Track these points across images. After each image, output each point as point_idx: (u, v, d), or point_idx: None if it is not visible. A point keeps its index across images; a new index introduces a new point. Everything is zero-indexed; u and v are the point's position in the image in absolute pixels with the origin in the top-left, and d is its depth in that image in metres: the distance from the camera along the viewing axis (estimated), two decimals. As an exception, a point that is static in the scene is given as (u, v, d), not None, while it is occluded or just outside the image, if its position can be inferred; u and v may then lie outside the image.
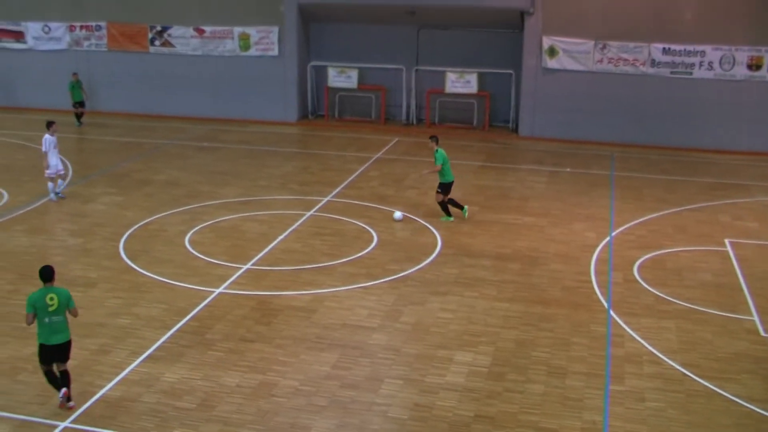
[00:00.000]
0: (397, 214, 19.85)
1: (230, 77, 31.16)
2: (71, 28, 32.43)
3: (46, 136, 21.03)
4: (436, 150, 19.85)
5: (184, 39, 31.29)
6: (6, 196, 21.57)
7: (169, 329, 13.97)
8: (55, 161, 21.11)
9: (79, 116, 30.55)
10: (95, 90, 32.35)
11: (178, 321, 14.27)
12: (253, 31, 30.52)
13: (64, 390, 11.47)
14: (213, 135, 28.91)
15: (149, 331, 13.93)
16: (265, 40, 30.48)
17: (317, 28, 31.24)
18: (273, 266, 16.78)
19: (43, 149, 21.02)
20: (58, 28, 32.54)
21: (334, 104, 31.49)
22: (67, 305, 11.62)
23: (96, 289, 15.70)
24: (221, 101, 31.37)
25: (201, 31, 31.03)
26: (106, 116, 31.69)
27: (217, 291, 15.54)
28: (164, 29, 31.40)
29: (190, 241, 18.18)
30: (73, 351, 12.25)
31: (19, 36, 33.12)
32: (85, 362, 12.84)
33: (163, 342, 13.53)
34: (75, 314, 11.82)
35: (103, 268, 16.75)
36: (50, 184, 21.32)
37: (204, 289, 15.63)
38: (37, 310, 11.43)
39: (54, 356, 11.56)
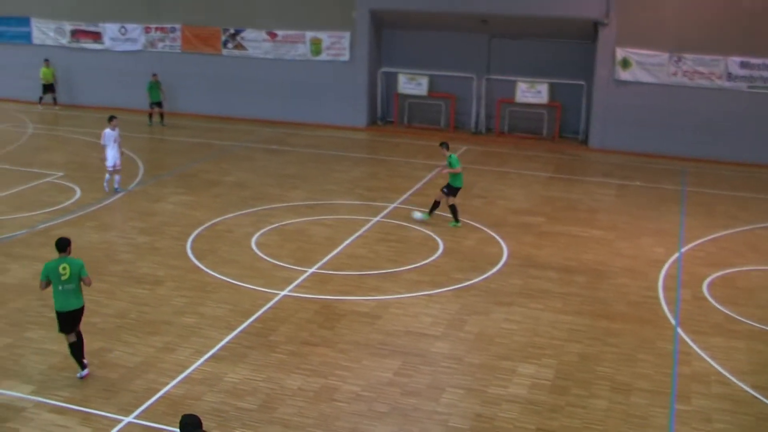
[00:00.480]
0: (417, 215, 20.11)
1: (301, 81, 31.41)
2: (147, 30, 33.03)
3: (106, 130, 21.73)
4: (450, 155, 20.02)
5: (256, 42, 31.64)
6: (79, 192, 22.01)
7: (233, 330, 14.10)
8: (113, 155, 21.66)
9: (152, 116, 31.09)
10: (168, 91, 32.86)
11: (243, 322, 14.39)
12: (324, 36, 30.72)
13: (86, 372, 12.48)
14: (282, 138, 29.16)
15: (214, 330, 14.07)
16: (337, 45, 30.65)
17: (389, 34, 31.33)
18: (338, 271, 16.84)
19: (102, 142, 21.74)
20: (135, 30, 33.17)
21: (404, 111, 31.53)
22: (79, 274, 12.39)
23: (163, 287, 15.92)
24: (291, 105, 31.63)
25: (273, 35, 31.34)
26: (177, 117, 32.17)
27: (282, 293, 15.64)
28: (237, 32, 31.79)
29: (256, 243, 18.34)
30: (139, 348, 12.45)
31: (96, 37, 33.84)
32: (149, 359, 13.02)
33: (227, 342, 13.66)
34: (87, 283, 12.52)
35: (171, 266, 16.98)
36: (107, 176, 21.96)
37: (269, 291, 15.74)
38: (50, 279, 12.29)
39: (68, 323, 12.39)
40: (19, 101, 34.54)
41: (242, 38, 31.79)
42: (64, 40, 34.28)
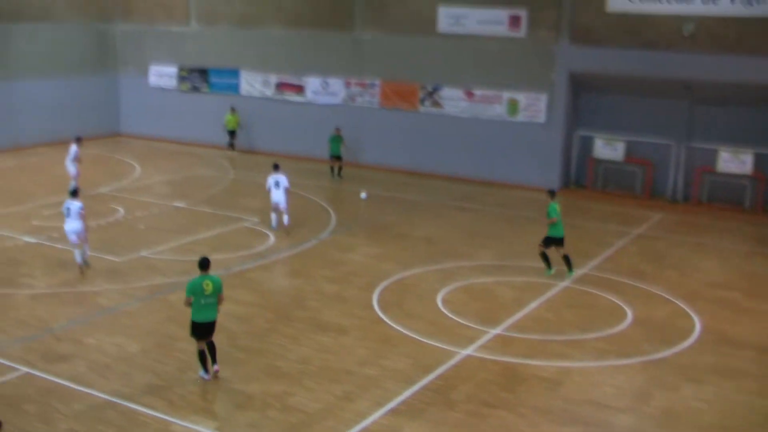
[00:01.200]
0: (363, 195, 22.54)
1: (495, 140, 31.46)
2: (347, 84, 34.08)
3: (272, 174, 23.50)
4: (550, 204, 20.37)
5: (453, 101, 32.00)
6: (272, 238, 22.79)
7: (414, 384, 14.12)
8: (276, 198, 23.21)
9: (333, 168, 31.84)
10: (363, 144, 33.71)
11: (423, 377, 14.40)
12: (521, 97, 30.73)
13: (216, 367, 14.22)
14: (473, 196, 29.23)
15: (394, 383, 14.14)
16: (533, 106, 30.58)
17: (586, 97, 30.97)
18: (522, 333, 16.61)
19: (267, 187, 23.49)
20: (336, 84, 34.30)
21: (598, 175, 30.99)
22: (219, 290, 14.09)
23: (347, 336, 16.18)
24: (484, 163, 31.70)
25: (470, 94, 31.63)
26: (370, 170, 32.86)
27: (465, 352, 15.56)
28: (435, 90, 32.29)
29: (442, 300, 18.38)
30: (320, 394, 12.69)
31: (299, 90, 35.21)
32: (329, 406, 13.22)
33: (407, 397, 13.69)
34: (220, 300, 14.22)
35: (356, 316, 17.24)
36: (272, 215, 23.49)
37: (451, 348, 15.70)
38: (194, 295, 13.92)
39: (204, 333, 14.10)
40: (221, 148, 36.28)
41: (440, 96, 32.25)
42: (269, 92, 35.87)
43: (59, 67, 37.35)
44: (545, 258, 20.43)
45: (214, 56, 37.28)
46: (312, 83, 34.85)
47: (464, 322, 17.07)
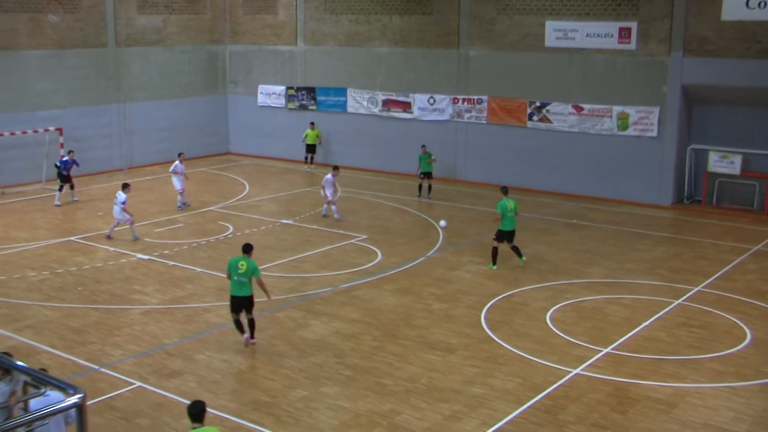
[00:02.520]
0: (443, 223, 25.23)
1: (605, 156, 30.96)
2: (454, 101, 34.06)
3: (329, 176, 27.18)
4: (500, 201, 22.17)
5: (562, 116, 31.65)
6: (380, 255, 22.89)
7: (522, 404, 13.95)
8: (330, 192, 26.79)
9: (423, 186, 31.30)
10: (470, 160, 33.64)
11: (532, 397, 14.22)
12: (632, 111, 30.16)
13: (246, 336, 16.45)
14: (582, 213, 28.80)
15: (502, 403, 14.00)
16: (645, 120, 29.98)
17: (701, 109, 30.20)
18: (634, 353, 16.24)
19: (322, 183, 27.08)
20: (443, 101, 34.33)
21: (713, 190, 30.14)
22: (252, 273, 16.27)
23: (455, 355, 16.09)
24: (593, 179, 31.23)
25: (579, 109, 31.22)
26: (477, 187, 32.72)
27: (575, 371, 15.30)
28: (543, 105, 31.99)
29: (551, 318, 18.13)
30: (427, 413, 12.63)
31: (406, 107, 35.37)
32: (436, 426, 13.16)
33: (515, 416, 13.53)
34: (259, 283, 16.42)
35: (464, 335, 17.15)
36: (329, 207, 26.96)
37: (561, 368, 15.46)
38: (230, 270, 16.34)
39: (237, 306, 16.37)
40: (329, 165, 36.61)
41: (548, 111, 31.93)
42: (376, 109, 36.14)
43: (171, 89, 38.46)
44: (494, 253, 22.00)
45: (321, 75, 37.80)
46: (419, 100, 34.96)
47: (574, 341, 16.80)
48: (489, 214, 28.15)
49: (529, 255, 23.14)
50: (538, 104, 32.13)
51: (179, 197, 28.45)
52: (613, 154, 30.79)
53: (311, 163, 37.00)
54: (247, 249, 16.68)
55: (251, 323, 16.54)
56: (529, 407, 13.87)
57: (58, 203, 29.42)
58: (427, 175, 31.18)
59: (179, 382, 14.90)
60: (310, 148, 37.01)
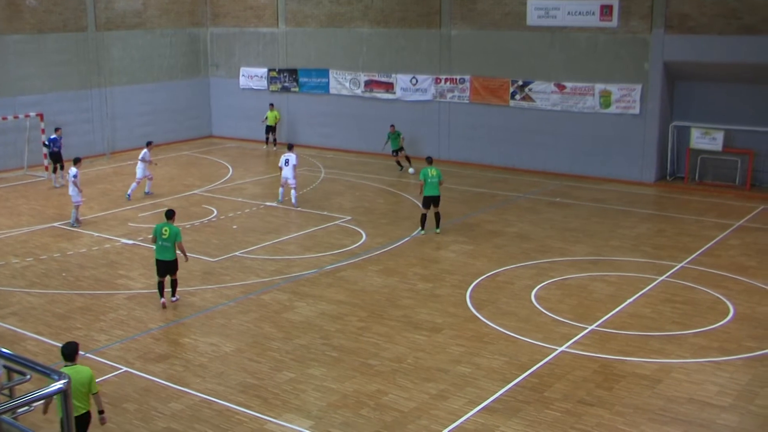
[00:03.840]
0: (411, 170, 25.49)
1: (588, 134, 31.00)
2: (437, 81, 34.00)
3: (284, 153, 26.82)
4: (423, 168, 23.38)
5: (544, 94, 31.64)
6: (364, 236, 22.89)
7: (508, 383, 14.01)
8: (285, 174, 26.40)
9: (399, 162, 32.33)
10: (453, 140, 33.63)
11: (518, 375, 14.27)
12: (615, 89, 30.18)
13: (163, 300, 17.76)
14: (566, 191, 28.86)
15: (488, 382, 14.05)
16: (627, 98, 30.01)
17: (683, 86, 30.26)
18: (619, 330, 16.32)
19: (279, 164, 26.77)
20: (425, 81, 34.26)
21: (695, 167, 30.25)
22: (175, 238, 17.45)
23: (440, 335, 16.13)
24: (577, 157, 31.28)
25: (562, 87, 31.22)
26: (461, 166, 32.74)
27: (560, 349, 15.37)
28: (525, 84, 31.97)
29: (536, 296, 18.19)
30: (414, 393, 12.67)
31: (389, 87, 35.28)
32: (423, 405, 13.20)
33: (501, 395, 13.59)
34: (180, 248, 17.58)
35: (449, 314, 17.18)
36: (280, 190, 27.00)
37: (546, 345, 15.52)
38: (155, 236, 17.62)
39: (162, 270, 17.63)
40: (313, 147, 36.62)
41: (530, 90, 31.91)
42: (359, 90, 36.04)
43: (152, 72, 38.22)
44: (422, 219, 23.15)
45: (303, 57, 37.65)
46: (401, 80, 34.88)
47: (559, 319, 16.86)
48: (474, 193, 28.25)
49: (513, 234, 23.20)
50: (520, 83, 32.11)
51: (133, 185, 27.77)
52: (596, 132, 30.84)
53: (273, 144, 37.50)
54: (170, 215, 17.95)
55: (174, 283, 17.92)
56: (515, 385, 13.92)
57: (57, 185, 29.38)
58: (397, 151, 32.20)
59: (166, 366, 14.88)
60: (270, 129, 37.59)
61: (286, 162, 26.25)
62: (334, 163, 33.65)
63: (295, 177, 26.38)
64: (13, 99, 32.91)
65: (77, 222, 24.36)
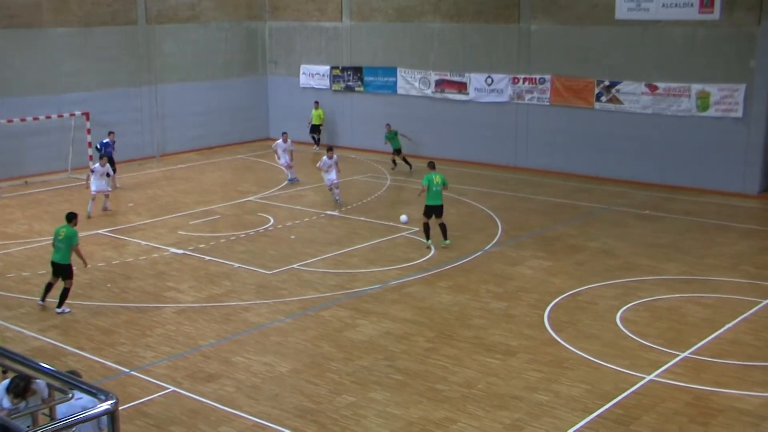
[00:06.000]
0: (403, 218, 24.72)
1: (682, 140, 30.55)
2: (514, 81, 33.86)
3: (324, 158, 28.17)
4: (426, 175, 23.31)
5: (633, 96, 31.28)
6: (433, 250, 22.83)
7: (590, 413, 13.84)
8: (331, 176, 27.96)
9: (395, 161, 33.51)
10: (531, 146, 33.43)
11: (601, 405, 14.10)
12: (714, 89, 29.71)
13: (42, 303, 18.90)
14: (657, 203, 28.47)
15: (567, 412, 13.90)
16: (728, 99, 29.52)
17: (791, 87, 29.70)
18: (716, 358, 16.02)
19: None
20: (501, 80, 34.14)
21: (805, 177, 29.62)
22: (70, 241, 18.57)
23: (515, 359, 16.01)
24: (669, 166, 30.84)
25: (653, 88, 30.85)
26: (539, 174, 32.54)
27: (648, 378, 15.14)
28: (612, 84, 31.65)
29: (621, 318, 17.96)
30: (485, 422, 12.57)
31: (462, 87, 35.24)
32: (497, 436, 13.09)
33: (582, 426, 13.43)
34: (77, 252, 18.76)
35: (525, 336, 17.05)
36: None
37: (633, 373, 15.30)
38: (54, 238, 18.81)
39: (56, 271, 18.75)
40: (378, 152, 36.70)
41: (617, 91, 31.59)
42: (428, 90, 36.07)
43: (206, 69, 38.78)
44: (426, 228, 23.09)
45: (368, 54, 37.82)
46: (475, 80, 34.82)
47: (647, 344, 16.61)
48: (553, 204, 28.05)
49: (596, 249, 22.96)
50: (607, 83, 31.79)
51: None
52: (691, 138, 30.36)
53: (317, 144, 38.13)
54: (70, 218, 19.06)
55: (64, 293, 18.67)
56: (597, 416, 13.75)
57: (117, 185, 30.28)
58: (398, 151, 33.43)
59: (216, 387, 15.00)
60: (315, 129, 38.23)
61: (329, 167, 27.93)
62: (401, 168, 33.69)
63: (336, 176, 28.13)
64: (57, 97, 33.59)
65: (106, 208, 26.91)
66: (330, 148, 29.51)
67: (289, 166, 31.83)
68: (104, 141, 30.64)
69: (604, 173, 32.05)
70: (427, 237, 23.11)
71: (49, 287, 18.90)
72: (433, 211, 23.05)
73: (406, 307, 18.80)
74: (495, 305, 18.91)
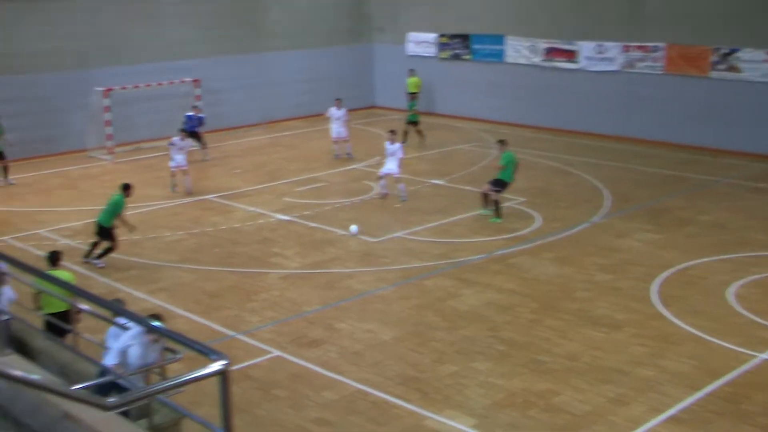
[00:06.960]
0: (353, 228, 21.60)
1: (805, 110, 29.55)
2: (626, 49, 33.21)
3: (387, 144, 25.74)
4: (505, 152, 23.28)
5: (755, 63, 30.31)
6: (539, 220, 22.69)
7: (698, 390, 13.63)
8: (390, 166, 25.11)
9: (407, 134, 32.53)
10: (643, 115, 32.77)
11: (709, 383, 13.87)
12: (836, 58, 28.68)
13: (85, 260, 19.68)
14: (773, 176, 27.71)
15: (674, 388, 13.72)
16: None
17: None
18: (831, 336, 15.60)
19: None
20: (613, 48, 33.52)
21: None
22: (113, 207, 19.75)
23: (621, 332, 15.85)
24: (787, 138, 29.93)
25: (774, 56, 29.89)
26: (648, 145, 31.92)
27: (762, 356, 14.82)
28: (731, 52, 30.77)
29: (733, 294, 17.59)
30: (589, 395, 12.53)
31: (571, 56, 34.75)
32: (599, 409, 13.03)
33: (690, 404, 13.23)
34: (120, 219, 19.92)
35: (631, 310, 16.86)
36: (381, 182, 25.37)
37: (745, 351, 15.00)
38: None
39: (97, 230, 19.83)
40: (483, 120, 36.50)
41: (737, 58, 30.69)
42: (537, 59, 35.67)
43: (312, 37, 39.01)
44: (497, 205, 22.82)
45: (476, 20, 37.52)
46: (585, 48, 34.27)
47: (761, 322, 16.24)
48: (663, 176, 27.54)
49: (708, 222, 22.50)
50: (725, 51, 30.92)
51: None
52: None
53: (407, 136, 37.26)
54: (124, 188, 20.31)
55: (107, 250, 19.88)
56: (706, 394, 13.53)
57: (208, 158, 30.60)
58: (415, 123, 32.99)
59: (319, 353, 15.22)
60: (412, 96, 36.81)
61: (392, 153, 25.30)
62: (508, 138, 33.40)
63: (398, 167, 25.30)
64: (169, 63, 34.22)
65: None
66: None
67: (344, 140, 30.57)
68: (188, 114, 30.93)
69: (717, 144, 31.19)
70: (498, 215, 22.91)
71: (94, 245, 19.92)
72: (507, 186, 23.19)
73: (510, 277, 18.74)
74: (600, 278, 18.72)
